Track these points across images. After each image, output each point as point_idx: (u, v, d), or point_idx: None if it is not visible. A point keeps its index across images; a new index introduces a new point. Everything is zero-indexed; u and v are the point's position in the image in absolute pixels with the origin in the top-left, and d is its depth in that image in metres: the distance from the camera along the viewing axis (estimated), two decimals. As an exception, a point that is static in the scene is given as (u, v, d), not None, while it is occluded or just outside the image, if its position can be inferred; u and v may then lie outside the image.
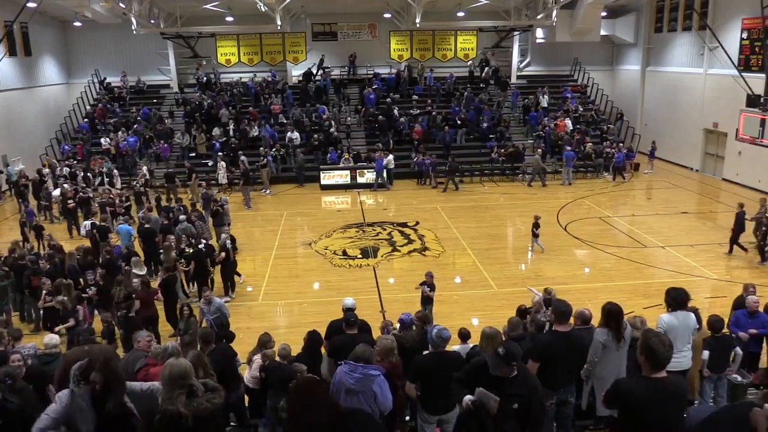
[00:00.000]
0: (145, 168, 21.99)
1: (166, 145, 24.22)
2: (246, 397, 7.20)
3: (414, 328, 6.97)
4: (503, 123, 25.97)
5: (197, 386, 3.87)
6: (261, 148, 23.41)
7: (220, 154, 23.37)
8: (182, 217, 14.61)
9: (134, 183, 19.74)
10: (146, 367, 5.54)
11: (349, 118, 26.38)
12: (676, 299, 6.02)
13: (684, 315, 6.04)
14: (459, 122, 25.78)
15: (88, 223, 15.24)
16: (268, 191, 22.40)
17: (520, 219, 18.78)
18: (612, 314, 5.65)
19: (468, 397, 4.33)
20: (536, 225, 15.19)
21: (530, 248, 15.59)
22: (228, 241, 12.97)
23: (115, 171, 22.30)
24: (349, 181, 22.99)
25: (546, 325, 6.78)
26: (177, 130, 25.66)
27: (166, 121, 26.57)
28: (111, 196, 18.18)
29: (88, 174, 21.59)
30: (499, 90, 28.36)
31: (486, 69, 29.10)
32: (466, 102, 26.96)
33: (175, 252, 12.39)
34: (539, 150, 23.40)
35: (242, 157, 22.36)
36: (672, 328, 5.82)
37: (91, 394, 4.05)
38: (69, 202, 17.66)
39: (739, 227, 14.71)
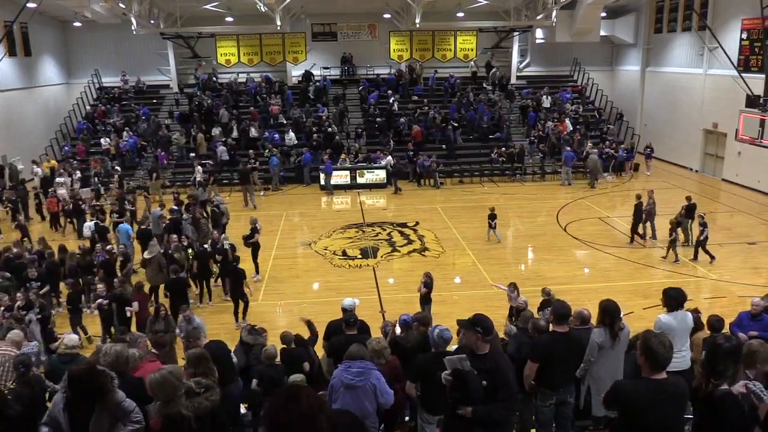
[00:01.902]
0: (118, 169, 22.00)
1: (164, 153, 23.81)
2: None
3: (414, 329, 6.96)
4: (503, 122, 26.00)
5: (192, 386, 3.87)
6: (250, 151, 23.30)
7: (192, 155, 23.35)
8: (186, 216, 14.60)
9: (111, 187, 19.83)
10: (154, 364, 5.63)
11: (334, 126, 25.92)
12: (676, 299, 6.02)
13: (682, 315, 6.04)
14: (455, 122, 25.76)
15: (91, 223, 15.17)
16: (261, 193, 22.39)
17: (520, 219, 18.81)
18: (608, 311, 5.67)
19: (444, 373, 4.46)
20: (492, 216, 15.92)
21: (496, 238, 16.23)
22: (226, 242, 12.94)
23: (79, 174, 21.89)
24: (349, 182, 23.00)
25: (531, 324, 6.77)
26: (176, 130, 25.65)
27: (166, 121, 26.56)
28: (78, 198, 18.10)
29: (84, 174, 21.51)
30: (505, 100, 28.03)
31: (493, 72, 28.97)
32: (465, 103, 26.95)
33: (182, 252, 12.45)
34: (595, 150, 23.42)
35: (218, 148, 22.98)
36: (670, 328, 5.81)
37: (65, 402, 4.07)
38: (80, 203, 17.66)
39: (637, 217, 15.76)
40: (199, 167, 21.80)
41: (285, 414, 2.45)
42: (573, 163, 23.36)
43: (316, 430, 2.50)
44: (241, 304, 11.71)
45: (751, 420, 3.99)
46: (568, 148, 23.70)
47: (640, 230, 16.08)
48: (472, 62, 28.95)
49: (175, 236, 13.13)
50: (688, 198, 15.61)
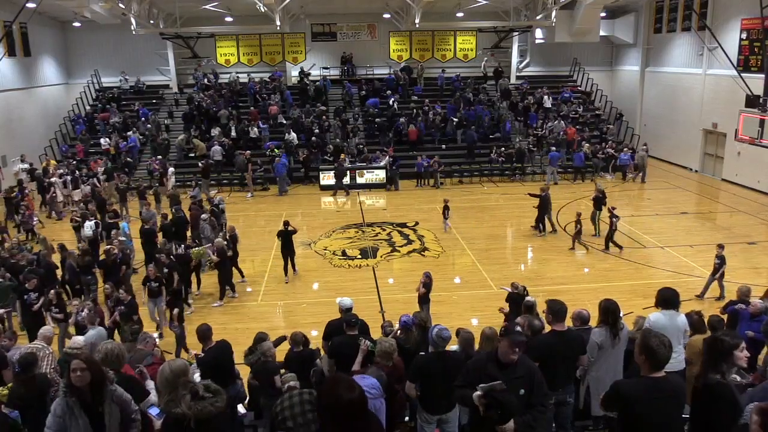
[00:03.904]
0: (101, 169, 21.99)
1: (159, 160, 23.29)
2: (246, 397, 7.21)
3: (414, 330, 6.96)
4: (502, 123, 26.03)
5: (199, 386, 3.86)
6: (247, 152, 23.28)
7: (159, 157, 23.22)
8: (204, 216, 14.70)
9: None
10: (153, 366, 5.61)
11: (330, 121, 25.99)
12: (666, 299, 6.03)
13: (672, 314, 6.01)
14: (456, 120, 25.79)
15: (91, 223, 15.16)
16: (249, 195, 22.38)
17: (519, 219, 18.79)
18: (610, 310, 5.70)
19: (477, 394, 4.14)
20: (446, 208, 17.00)
21: (445, 230, 17.26)
22: (224, 244, 12.84)
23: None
24: (349, 182, 23.00)
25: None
26: (177, 131, 25.63)
27: (166, 121, 26.54)
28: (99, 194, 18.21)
29: (75, 175, 21.39)
30: (510, 111, 27.53)
31: (501, 81, 28.77)
32: (464, 103, 26.95)
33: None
34: (644, 147, 23.78)
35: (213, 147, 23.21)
36: (659, 326, 5.80)
37: (80, 402, 4.07)
38: (103, 199, 17.94)
39: (542, 209, 16.70)
40: (172, 169, 22.02)
41: (339, 399, 2.70)
42: (559, 163, 23.54)
43: (364, 417, 2.78)
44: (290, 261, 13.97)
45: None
46: (554, 149, 23.77)
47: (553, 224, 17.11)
48: (483, 63, 29.15)
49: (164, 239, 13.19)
50: (601, 192, 16.22)
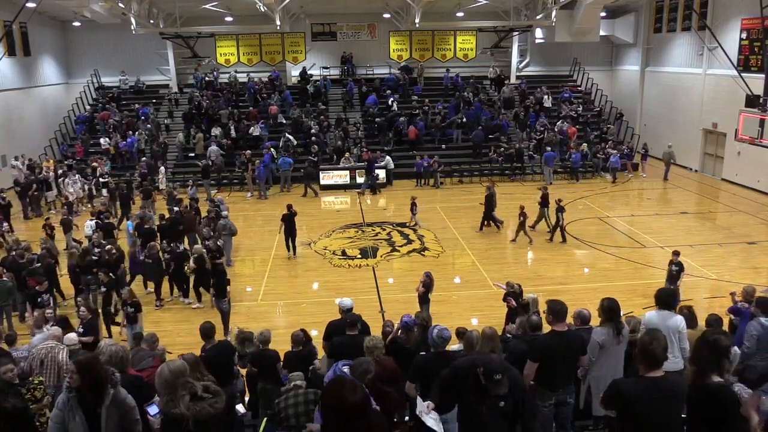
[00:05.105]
0: (100, 169, 21.98)
1: (150, 162, 23.05)
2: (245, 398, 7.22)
3: (415, 330, 6.95)
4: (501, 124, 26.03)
5: (198, 387, 3.86)
6: (247, 151, 23.28)
7: (143, 159, 22.91)
8: (225, 213, 14.98)
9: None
10: (152, 368, 5.61)
11: (330, 121, 26.06)
12: (659, 298, 6.07)
13: (665, 315, 5.99)
14: (460, 121, 25.82)
15: (92, 222, 15.12)
16: (249, 195, 22.38)
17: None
18: (613, 309, 5.71)
19: (419, 410, 4.59)
20: (414, 205, 17.52)
21: (413, 224, 17.69)
22: (203, 252, 12.32)
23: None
24: (348, 182, 22.99)
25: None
26: (177, 130, 25.64)
27: (166, 121, 26.54)
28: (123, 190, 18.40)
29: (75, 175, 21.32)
30: (513, 120, 27.09)
31: (503, 88, 28.66)
32: (463, 103, 26.94)
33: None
34: (669, 144, 23.94)
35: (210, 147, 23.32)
36: (651, 325, 5.81)
37: (78, 399, 4.08)
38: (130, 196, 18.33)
39: (488, 206, 17.29)
40: (163, 168, 21.98)
41: (343, 401, 2.78)
42: (557, 162, 23.57)
43: (367, 416, 2.84)
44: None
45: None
46: (549, 149, 23.78)
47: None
48: (491, 67, 29.34)
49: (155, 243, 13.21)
50: (544, 188, 17.23)
